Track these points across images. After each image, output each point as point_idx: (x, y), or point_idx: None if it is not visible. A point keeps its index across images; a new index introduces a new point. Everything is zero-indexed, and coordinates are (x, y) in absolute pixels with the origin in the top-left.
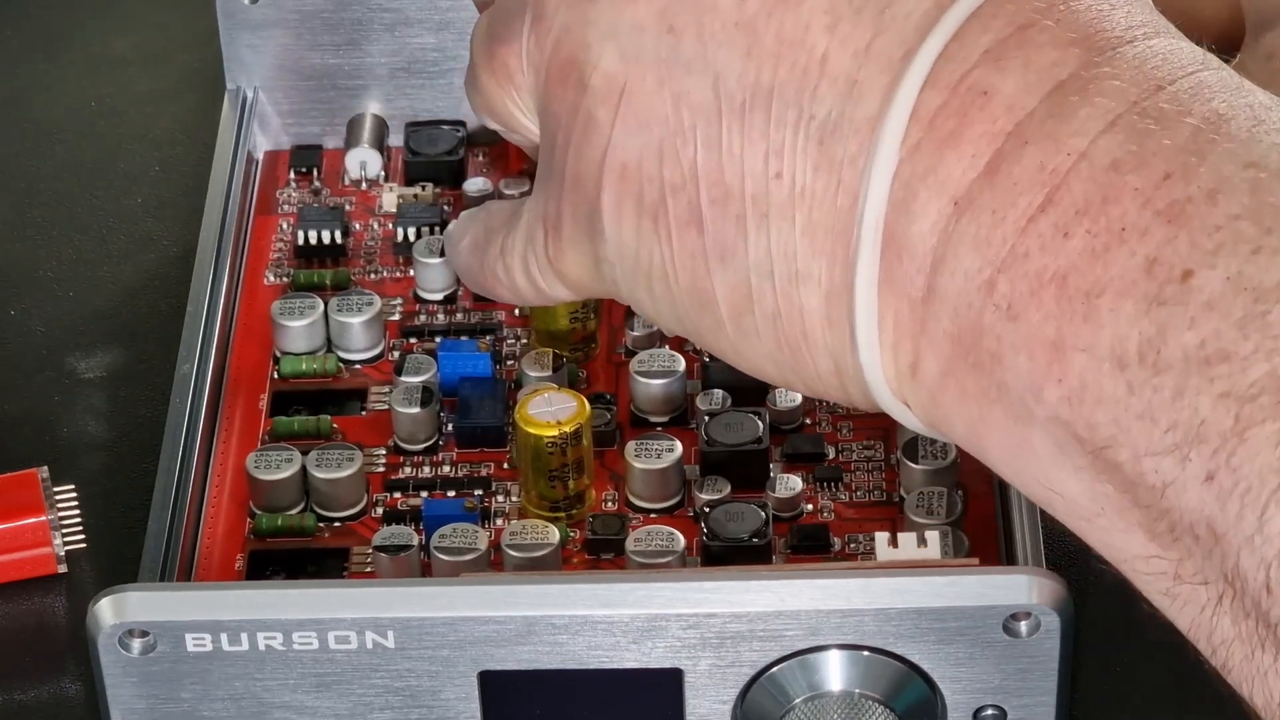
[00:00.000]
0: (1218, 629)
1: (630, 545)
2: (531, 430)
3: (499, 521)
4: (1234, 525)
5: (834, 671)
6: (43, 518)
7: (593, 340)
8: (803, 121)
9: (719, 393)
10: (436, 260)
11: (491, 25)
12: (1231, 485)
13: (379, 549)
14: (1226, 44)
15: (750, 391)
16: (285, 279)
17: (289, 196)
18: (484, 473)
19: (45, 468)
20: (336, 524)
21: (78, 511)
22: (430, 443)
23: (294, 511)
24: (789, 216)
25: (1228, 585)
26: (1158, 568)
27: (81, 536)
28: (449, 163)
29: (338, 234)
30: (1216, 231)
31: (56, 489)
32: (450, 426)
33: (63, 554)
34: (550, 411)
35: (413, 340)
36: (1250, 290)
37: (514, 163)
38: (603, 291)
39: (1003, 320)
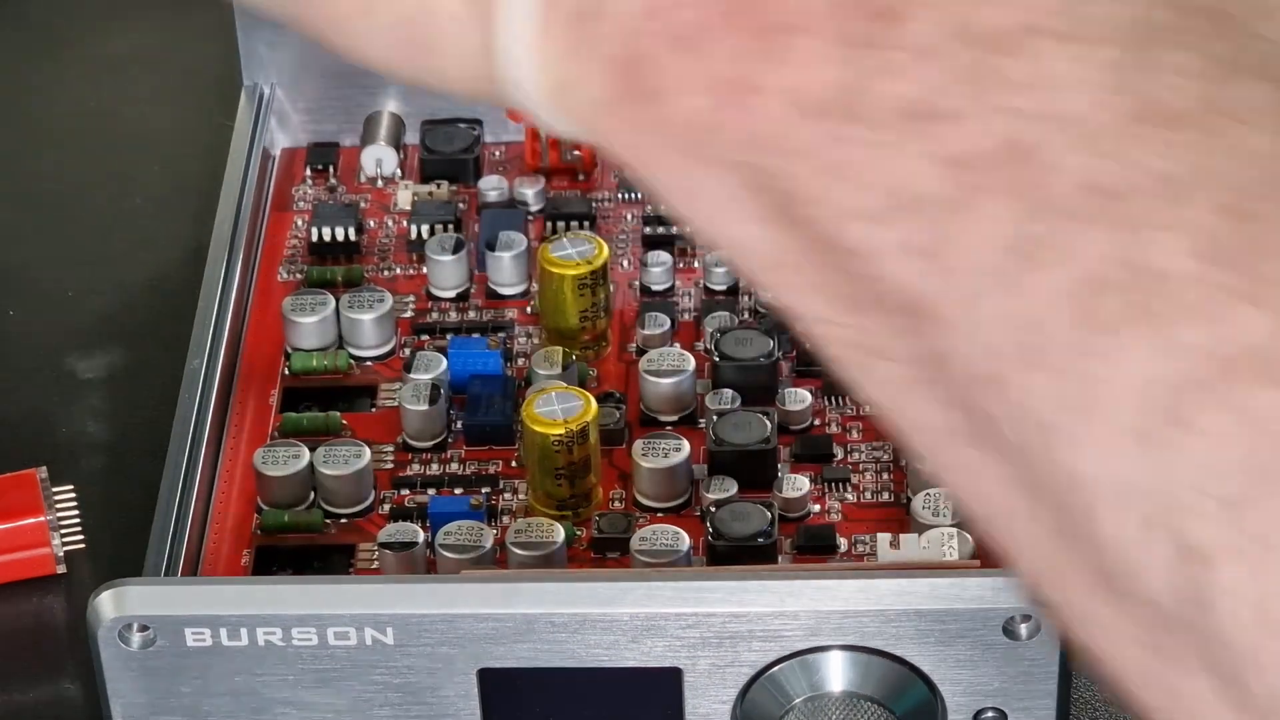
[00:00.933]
0: (913, 413)
1: (635, 544)
2: (538, 429)
3: (506, 519)
4: (949, 305)
5: (834, 672)
6: (41, 518)
7: (603, 339)
8: None
9: (728, 392)
10: (449, 258)
11: None
12: (951, 261)
13: (384, 546)
14: None
15: (760, 391)
16: (299, 275)
17: (305, 193)
18: (492, 470)
19: (44, 468)
20: (343, 520)
21: (76, 512)
22: (439, 440)
23: (301, 507)
24: None
25: (927, 367)
26: (840, 334)
27: (80, 537)
28: (464, 161)
29: (352, 231)
30: None
31: (55, 489)
32: (459, 424)
33: (61, 554)
34: (557, 410)
35: (424, 337)
36: (978, 38)
37: (529, 161)
38: None
39: (678, 51)
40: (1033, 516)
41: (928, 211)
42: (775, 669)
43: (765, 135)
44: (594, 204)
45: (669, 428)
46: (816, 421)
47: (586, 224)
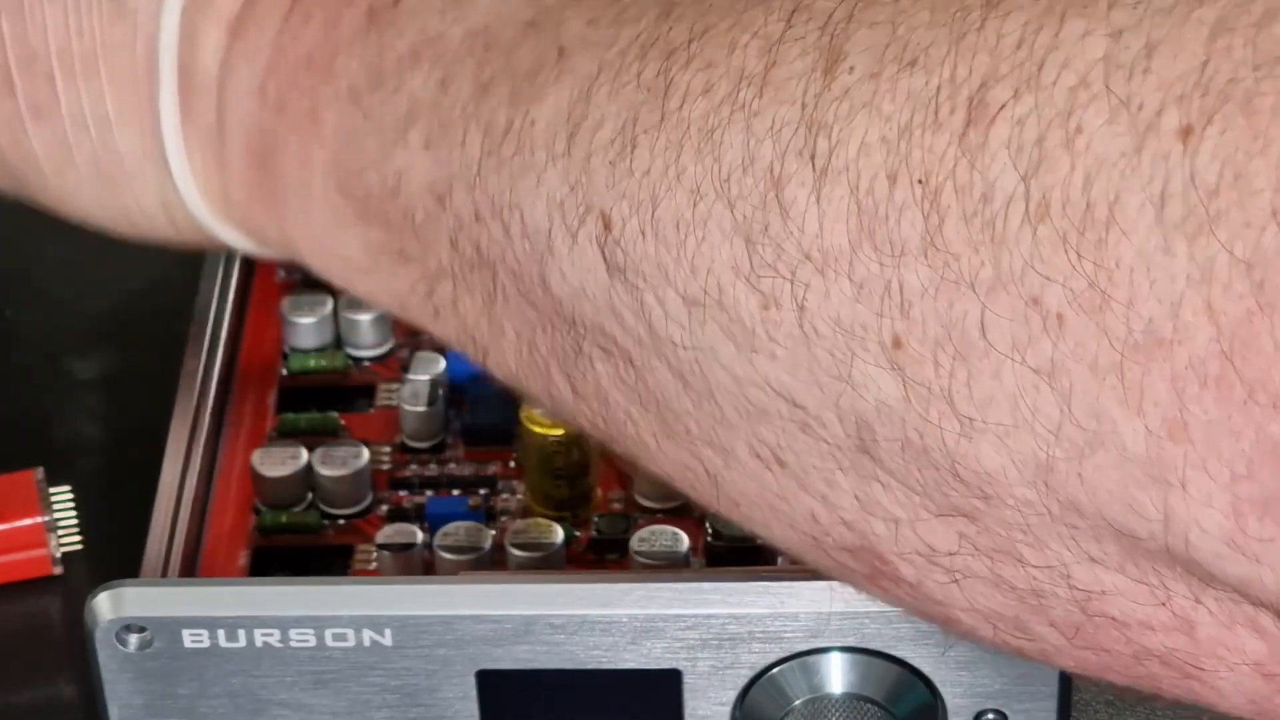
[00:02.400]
0: (469, 314)
1: (634, 545)
2: (537, 430)
3: (505, 520)
4: (445, 171)
5: (834, 674)
6: (38, 519)
7: None
8: None
9: None
10: None
11: None
12: (440, 135)
13: (383, 547)
14: None
15: None
16: (297, 275)
17: None
18: (490, 471)
19: (41, 469)
20: (341, 521)
21: (74, 513)
22: (437, 441)
23: (299, 508)
24: (95, 68)
25: (455, 252)
26: (421, 291)
27: (78, 538)
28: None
29: None
30: None
31: (52, 490)
32: (458, 425)
33: (58, 555)
34: None
35: (422, 337)
36: None
37: None
38: None
39: (275, 115)
40: (538, 321)
41: (423, 113)
42: (775, 670)
43: (333, 141)
44: None
45: None
46: None
47: None
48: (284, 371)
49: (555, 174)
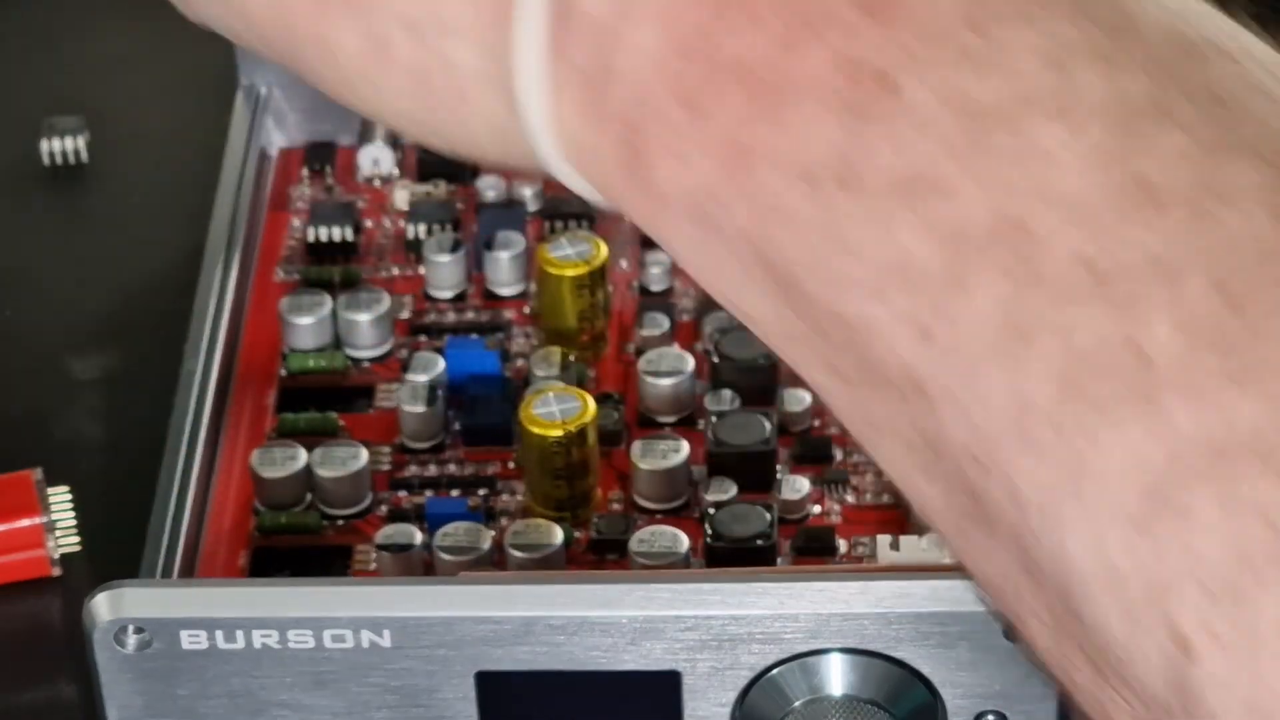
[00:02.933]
0: (923, 495)
1: (634, 546)
2: (536, 430)
3: (504, 521)
4: (942, 382)
5: (834, 675)
6: (37, 520)
7: (602, 339)
8: None
9: (727, 393)
10: (447, 258)
11: None
12: (944, 339)
13: (382, 547)
14: None
15: (759, 392)
16: (296, 276)
17: (302, 193)
18: (490, 472)
19: (40, 469)
20: (340, 522)
21: (72, 513)
22: (437, 441)
23: (298, 509)
24: None
25: (928, 448)
26: (848, 407)
27: (76, 539)
28: (462, 160)
29: (349, 231)
30: (929, 38)
31: (51, 491)
32: (457, 425)
33: (56, 556)
34: (555, 411)
35: (422, 338)
36: (972, 114)
37: None
38: (192, 12)
39: (685, 113)
40: (1034, 597)
41: (922, 286)
42: (775, 672)
43: (765, 203)
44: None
45: (668, 429)
46: (816, 423)
47: (585, 224)
48: (283, 372)
49: (1121, 542)
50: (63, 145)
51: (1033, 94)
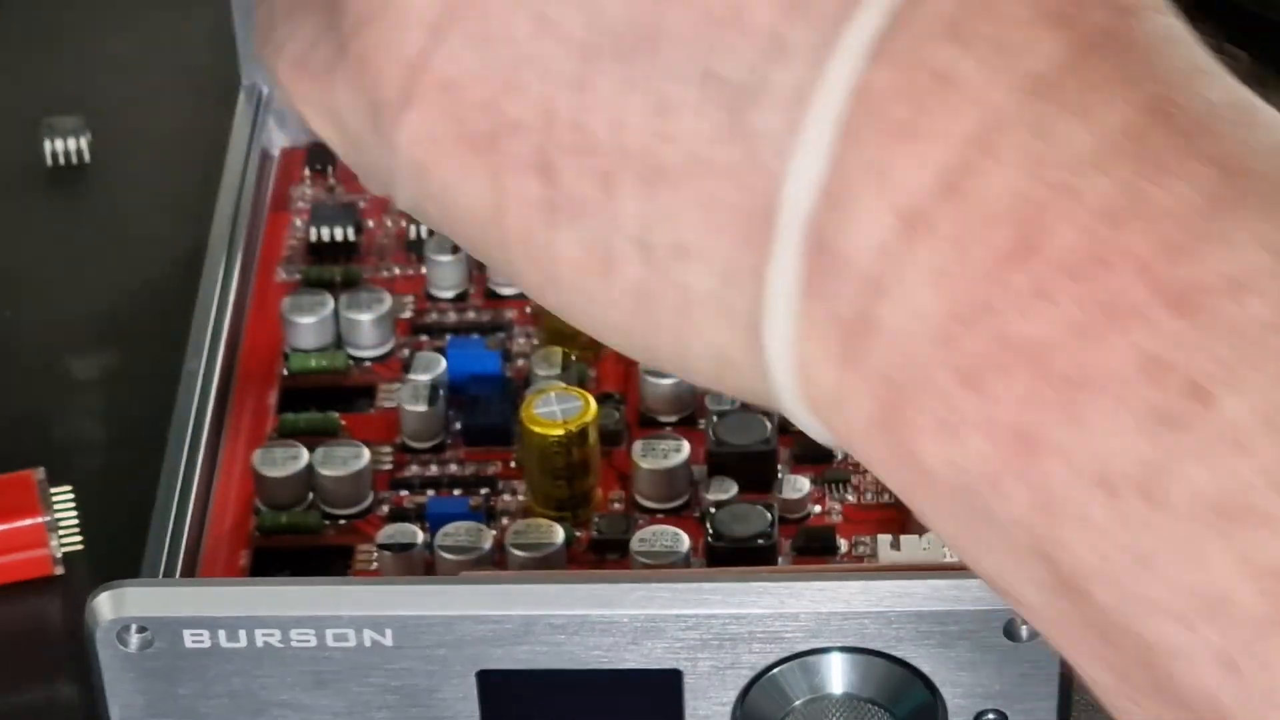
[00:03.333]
0: None
1: (635, 545)
2: (537, 430)
3: (505, 520)
4: (1245, 716)
5: (834, 674)
6: (39, 519)
7: None
8: (710, 80)
9: None
10: (449, 258)
11: None
12: (1262, 684)
13: (383, 547)
14: None
15: None
16: (297, 276)
17: (304, 193)
18: (490, 471)
19: (42, 469)
20: (342, 521)
21: (74, 513)
22: (438, 441)
23: (299, 508)
24: (677, 184)
25: None
26: (1118, 701)
27: (78, 538)
28: None
29: (350, 231)
30: (1242, 340)
31: (53, 490)
32: (458, 425)
33: (59, 556)
34: (556, 411)
35: (423, 338)
36: None
37: None
38: (376, 186)
39: (959, 386)
40: None
41: (1236, 623)
42: (775, 671)
43: (1051, 499)
44: None
45: (669, 428)
46: None
47: None
48: (284, 372)
49: None
50: (64, 145)
51: None
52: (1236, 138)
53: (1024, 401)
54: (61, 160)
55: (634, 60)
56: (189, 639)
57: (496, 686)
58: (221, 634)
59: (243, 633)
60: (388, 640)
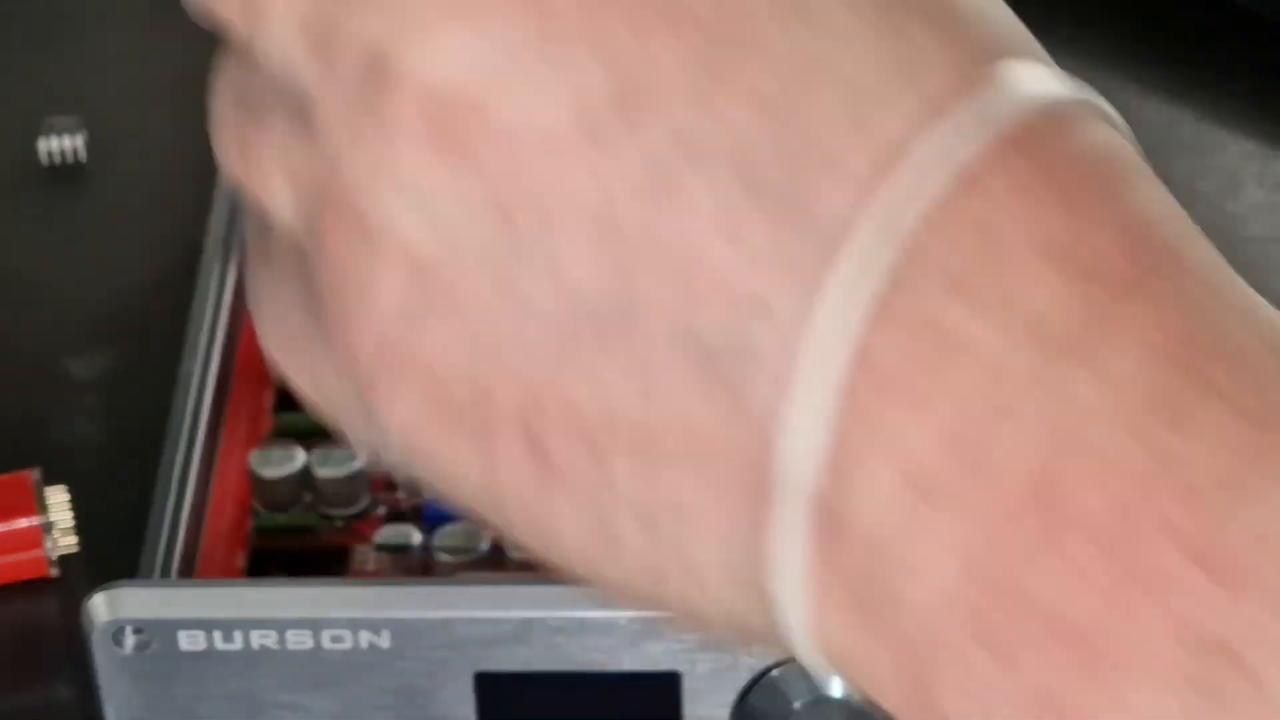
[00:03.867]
0: None
1: None
2: None
3: None
4: None
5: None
6: (35, 520)
7: None
8: (690, 349)
9: None
10: None
11: (239, 88)
12: None
13: (380, 548)
14: None
15: None
16: None
17: None
18: None
19: (38, 470)
20: (339, 522)
21: (70, 514)
22: None
23: (297, 509)
24: (669, 454)
25: None
26: None
27: (74, 539)
28: None
29: None
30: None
31: (49, 491)
32: None
33: (54, 557)
34: None
35: None
36: None
37: None
38: (363, 447)
39: (988, 659)
40: None
41: None
42: (775, 673)
43: None
44: None
45: None
46: None
47: None
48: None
49: None
50: (61, 145)
51: None
52: (1266, 386)
53: (1054, 674)
54: (57, 160)
55: (613, 331)
56: (185, 640)
57: (494, 688)
58: (217, 635)
59: (239, 634)
60: (385, 642)
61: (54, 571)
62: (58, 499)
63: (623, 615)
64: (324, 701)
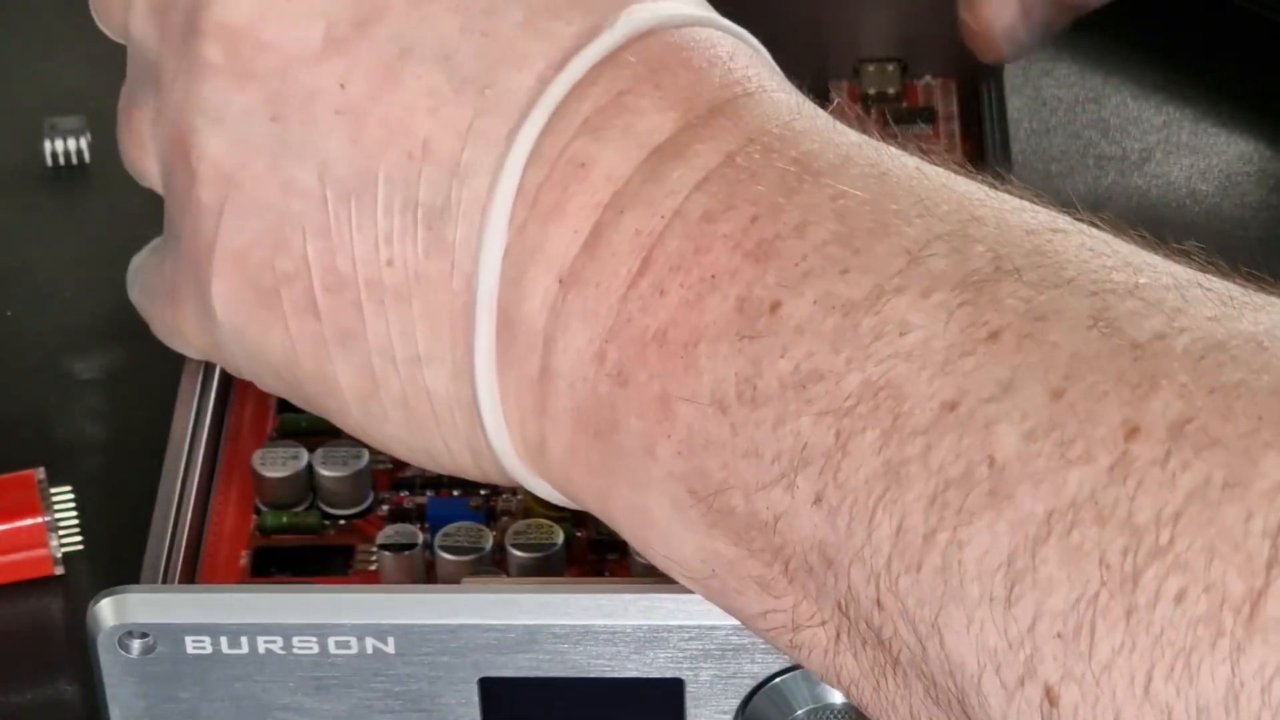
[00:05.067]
0: (844, 669)
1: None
2: None
3: (505, 521)
4: (844, 542)
5: None
6: (39, 519)
7: None
8: (410, 206)
9: None
10: None
11: (130, 82)
12: (839, 501)
13: (383, 547)
14: None
15: None
16: None
17: None
18: None
19: (42, 469)
20: (342, 522)
21: (75, 513)
22: None
23: (300, 509)
24: (406, 301)
25: (842, 616)
26: (776, 621)
27: (79, 538)
28: None
29: None
30: (803, 260)
31: (53, 490)
32: None
33: (59, 556)
34: None
35: None
36: (839, 308)
37: None
38: (228, 367)
39: (614, 388)
40: None
41: (815, 462)
42: (778, 680)
43: (686, 441)
44: None
45: None
46: None
47: None
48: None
49: (991, 623)
50: (65, 146)
51: (885, 280)
52: (796, 152)
53: (656, 376)
54: (62, 160)
55: (360, 202)
56: (191, 645)
57: (498, 694)
58: (223, 640)
59: (244, 639)
60: (390, 648)
61: (58, 570)
62: (62, 498)
63: (627, 623)
64: (329, 707)
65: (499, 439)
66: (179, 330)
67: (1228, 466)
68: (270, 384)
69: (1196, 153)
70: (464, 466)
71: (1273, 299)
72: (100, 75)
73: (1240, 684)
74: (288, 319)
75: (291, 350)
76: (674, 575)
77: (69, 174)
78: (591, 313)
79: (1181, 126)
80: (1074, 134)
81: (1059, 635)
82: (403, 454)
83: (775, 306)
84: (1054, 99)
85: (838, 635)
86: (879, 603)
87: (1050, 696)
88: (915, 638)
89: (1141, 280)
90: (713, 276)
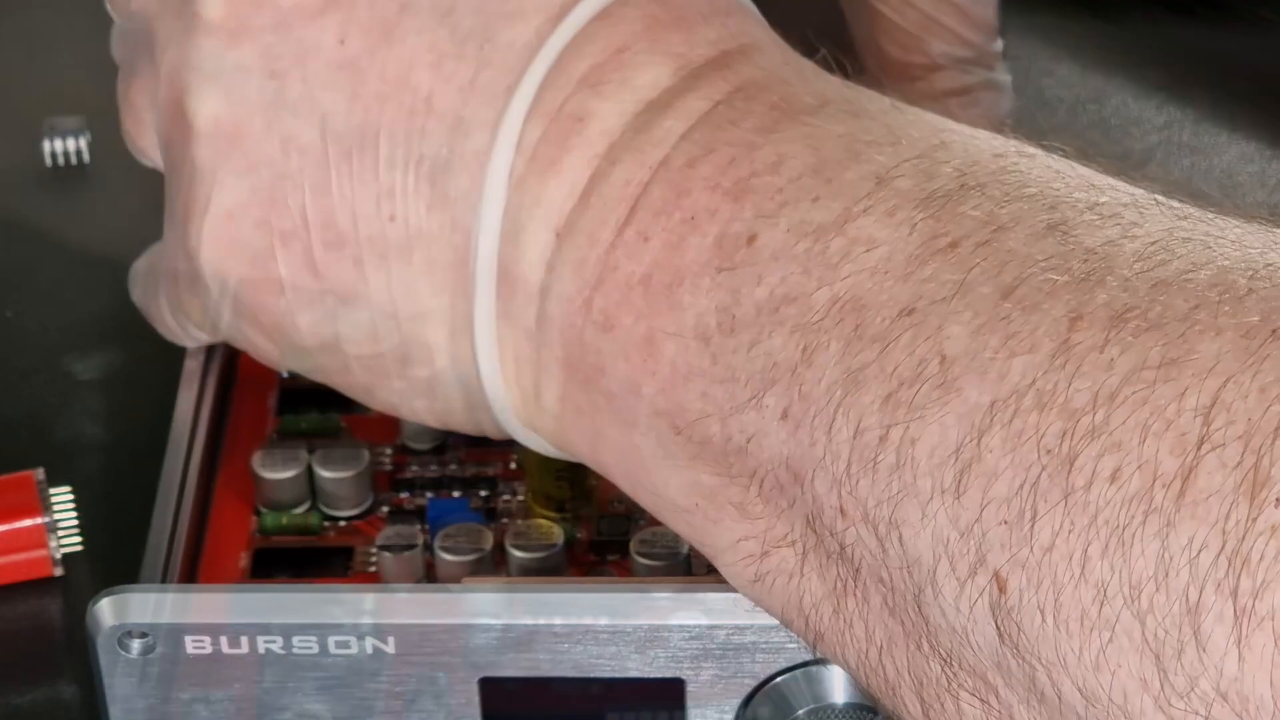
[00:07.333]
0: (807, 593)
1: (635, 547)
2: None
3: (505, 521)
4: (807, 452)
5: (837, 683)
6: (39, 520)
7: None
8: (412, 161)
9: None
10: None
11: (124, 57)
12: (802, 413)
13: (383, 548)
14: None
15: None
16: None
17: None
18: (490, 472)
19: (41, 469)
20: (342, 523)
21: (74, 514)
22: (438, 442)
23: (300, 510)
24: (407, 256)
25: (809, 529)
26: (746, 550)
27: (78, 539)
28: None
29: None
30: (778, 194)
31: (53, 491)
32: None
33: (59, 556)
34: None
35: None
36: (811, 232)
37: None
38: (227, 338)
39: (600, 333)
40: (902, 639)
41: (782, 379)
42: (778, 680)
43: (669, 377)
44: None
45: None
46: None
47: None
48: (284, 373)
49: (943, 513)
50: (64, 146)
51: (851, 204)
52: (774, 96)
53: (642, 318)
54: (61, 161)
55: (361, 158)
56: (190, 645)
57: (499, 694)
58: (223, 640)
59: (244, 639)
60: (390, 647)
61: (58, 571)
62: (61, 499)
63: (627, 623)
64: (329, 707)
65: (495, 391)
66: (179, 308)
67: (1164, 348)
68: (269, 353)
69: (1198, 153)
70: (462, 421)
71: (1229, 216)
72: (100, 75)
73: (1170, 558)
74: (284, 280)
75: (289, 313)
76: (661, 516)
77: (69, 174)
78: (581, 262)
79: (1183, 127)
80: (1075, 134)
81: (1004, 522)
82: (403, 412)
83: (752, 239)
84: (1055, 99)
85: (804, 554)
86: (841, 510)
87: (999, 583)
88: (875, 538)
89: (1102, 199)
90: (693, 218)
